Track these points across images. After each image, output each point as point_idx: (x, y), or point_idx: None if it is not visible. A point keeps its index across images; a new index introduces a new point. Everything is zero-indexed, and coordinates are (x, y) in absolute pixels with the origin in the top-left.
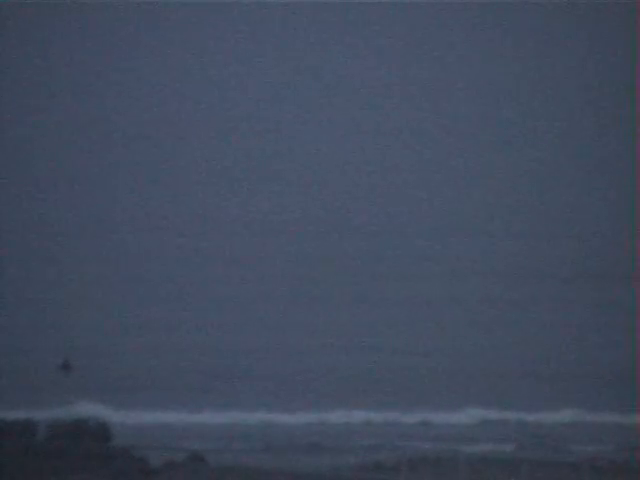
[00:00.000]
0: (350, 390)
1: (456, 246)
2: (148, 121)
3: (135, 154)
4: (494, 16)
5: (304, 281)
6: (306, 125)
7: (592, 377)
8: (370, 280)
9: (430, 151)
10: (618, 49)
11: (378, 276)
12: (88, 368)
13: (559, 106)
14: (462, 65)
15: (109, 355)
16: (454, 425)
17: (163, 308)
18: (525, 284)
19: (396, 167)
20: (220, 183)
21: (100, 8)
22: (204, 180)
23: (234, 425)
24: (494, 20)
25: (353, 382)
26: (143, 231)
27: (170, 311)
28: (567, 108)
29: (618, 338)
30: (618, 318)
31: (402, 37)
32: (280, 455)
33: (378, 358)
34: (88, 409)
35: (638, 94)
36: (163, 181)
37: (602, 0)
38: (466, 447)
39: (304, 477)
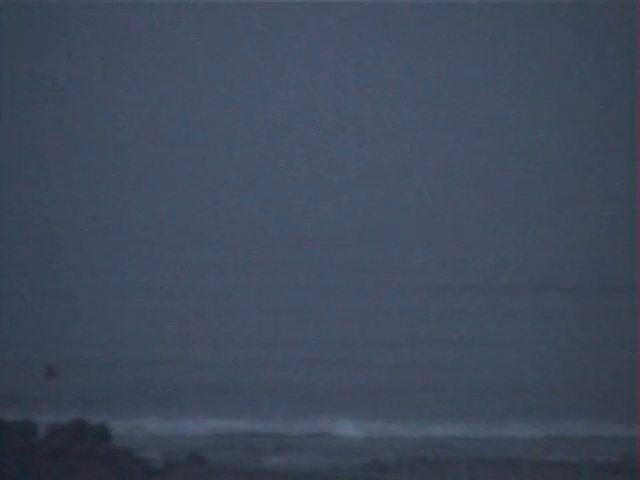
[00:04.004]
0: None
1: (456, 257)
2: (146, 123)
3: (130, 159)
4: (494, 16)
5: (312, 290)
6: (315, 129)
7: (593, 389)
8: (376, 290)
9: (432, 156)
10: (618, 49)
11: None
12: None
13: (559, 110)
14: (462, 66)
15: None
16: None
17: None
18: (526, 295)
19: (397, 170)
20: (220, 187)
21: (101, 8)
22: (208, 185)
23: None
24: (494, 20)
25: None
26: (147, 240)
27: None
28: (567, 112)
29: (618, 349)
30: (618, 329)
31: (402, 37)
32: None
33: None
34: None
35: (638, 94)
36: (160, 187)
37: (602, 0)
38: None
39: (304, 477)
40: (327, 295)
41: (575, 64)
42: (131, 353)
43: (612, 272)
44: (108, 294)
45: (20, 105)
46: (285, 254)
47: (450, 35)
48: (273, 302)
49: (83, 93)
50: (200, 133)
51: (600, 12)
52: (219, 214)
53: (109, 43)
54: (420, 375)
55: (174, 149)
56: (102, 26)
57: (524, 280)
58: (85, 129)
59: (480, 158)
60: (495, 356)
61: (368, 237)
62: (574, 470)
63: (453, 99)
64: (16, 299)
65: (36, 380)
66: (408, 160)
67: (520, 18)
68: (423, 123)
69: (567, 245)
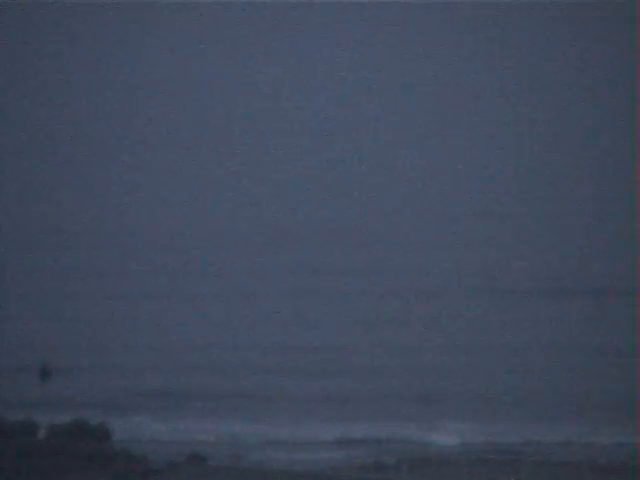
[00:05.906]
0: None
1: (449, 259)
2: (142, 125)
3: (132, 162)
4: (494, 16)
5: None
6: (309, 128)
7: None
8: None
9: (431, 157)
10: (618, 49)
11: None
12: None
13: (559, 111)
14: (461, 66)
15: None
16: None
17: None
18: (523, 300)
19: (395, 172)
20: (214, 190)
21: (101, 8)
22: (199, 186)
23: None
24: (494, 20)
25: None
26: (143, 245)
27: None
28: (567, 113)
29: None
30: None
31: (402, 37)
32: None
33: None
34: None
35: (638, 95)
36: (153, 188)
37: (602, 0)
38: None
39: (304, 477)
40: (327, 299)
41: (575, 64)
42: (132, 356)
43: (614, 274)
44: (109, 297)
45: (22, 105)
46: (298, 258)
47: (449, 35)
48: (279, 306)
49: (86, 94)
50: (201, 136)
51: (600, 12)
52: (217, 217)
53: (108, 43)
54: (479, 380)
55: (177, 152)
56: (101, 26)
57: (524, 282)
58: (86, 130)
59: (479, 159)
60: (507, 360)
61: (371, 239)
62: (574, 470)
63: (453, 100)
64: (18, 302)
65: (35, 382)
66: (408, 162)
67: (520, 18)
68: (424, 124)
69: (566, 247)
